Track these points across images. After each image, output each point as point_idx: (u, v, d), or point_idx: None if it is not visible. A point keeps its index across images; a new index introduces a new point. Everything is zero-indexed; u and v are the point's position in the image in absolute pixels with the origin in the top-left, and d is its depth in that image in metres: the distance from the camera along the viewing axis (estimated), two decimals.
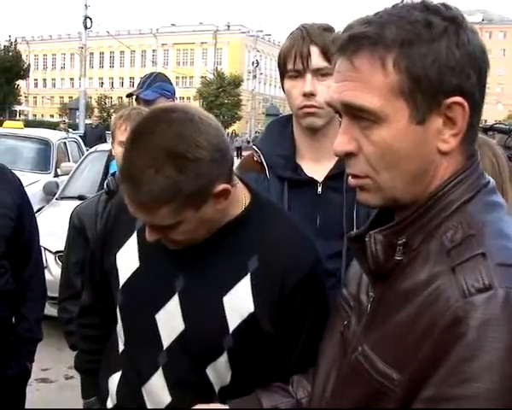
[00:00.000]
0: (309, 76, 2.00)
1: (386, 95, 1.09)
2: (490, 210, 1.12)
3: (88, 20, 30.24)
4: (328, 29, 2.04)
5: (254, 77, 72.74)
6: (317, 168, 2.10)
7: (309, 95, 2.00)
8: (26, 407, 2.98)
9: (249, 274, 1.61)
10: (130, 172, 1.44)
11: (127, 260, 1.73)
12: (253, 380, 1.68)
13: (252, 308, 1.60)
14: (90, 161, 8.19)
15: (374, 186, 1.15)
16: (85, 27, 30.66)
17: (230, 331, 1.60)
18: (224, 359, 1.62)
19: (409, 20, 1.08)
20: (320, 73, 2.00)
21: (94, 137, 16.13)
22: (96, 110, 55.65)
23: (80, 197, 6.76)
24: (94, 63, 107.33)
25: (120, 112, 3.18)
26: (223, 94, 65.78)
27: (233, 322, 1.60)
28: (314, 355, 1.57)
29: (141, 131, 1.47)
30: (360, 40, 1.10)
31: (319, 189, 2.08)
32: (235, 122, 70.94)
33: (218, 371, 1.65)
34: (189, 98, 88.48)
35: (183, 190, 1.42)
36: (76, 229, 2.99)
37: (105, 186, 3.03)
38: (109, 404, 1.82)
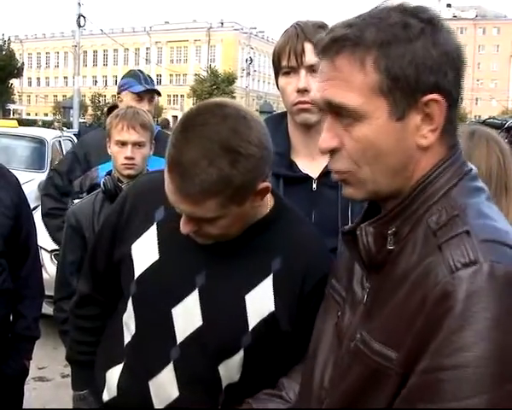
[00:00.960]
0: (303, 72, 2.03)
1: (366, 93, 1.14)
2: (472, 195, 1.17)
3: (81, 18, 30.14)
4: (322, 26, 2.06)
5: (248, 74, 72.67)
6: (311, 165, 2.12)
7: (303, 91, 2.03)
8: (24, 406, 2.99)
9: (272, 274, 1.64)
10: (181, 161, 1.44)
11: (145, 251, 1.72)
12: (261, 378, 1.70)
13: (272, 308, 1.63)
14: None
15: (355, 180, 1.21)
16: (79, 25, 30.53)
17: (249, 330, 1.63)
18: (239, 356, 1.64)
19: (387, 22, 1.14)
20: (314, 70, 2.01)
21: None
22: (89, 109, 55.39)
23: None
24: (87, 61, 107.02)
25: (116, 111, 3.19)
26: (216, 91, 65.55)
27: (253, 321, 1.63)
28: None
29: (194, 122, 1.48)
30: (341, 42, 1.15)
31: (314, 185, 2.10)
32: None
33: (230, 369, 1.67)
34: (182, 96, 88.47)
35: (233, 184, 1.45)
36: (72, 228, 2.98)
37: (102, 185, 3.03)
38: (105, 396, 1.81)
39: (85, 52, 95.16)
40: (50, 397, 5.01)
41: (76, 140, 12.74)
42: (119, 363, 1.77)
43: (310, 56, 2.02)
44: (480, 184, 1.23)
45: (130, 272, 1.73)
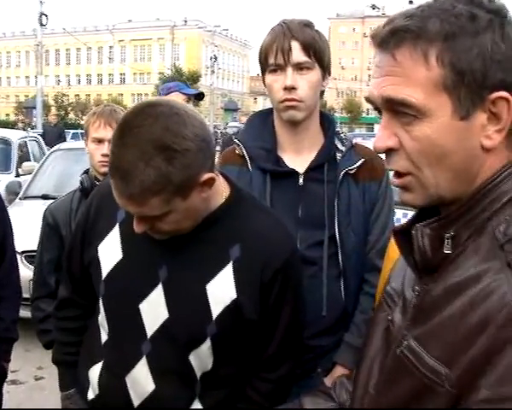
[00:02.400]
0: (290, 70, 2.04)
1: (429, 89, 1.05)
2: None
3: (43, 16, 29.76)
4: (308, 24, 2.10)
5: (212, 72, 72.53)
6: (298, 160, 2.15)
7: (290, 88, 2.04)
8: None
9: (231, 262, 1.67)
10: (120, 166, 1.47)
11: (110, 251, 1.75)
12: (233, 366, 1.75)
13: (234, 295, 1.65)
14: (52, 160, 8.07)
15: (417, 184, 1.12)
16: (41, 24, 30.14)
17: (214, 318, 1.65)
18: (206, 345, 1.67)
19: (452, 12, 1.05)
20: (300, 68, 2.05)
21: (54, 135, 15.83)
22: (53, 108, 54.92)
23: (44, 196, 6.67)
24: (50, 60, 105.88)
25: (94, 109, 3.18)
26: None
27: (216, 309, 1.65)
28: (292, 347, 1.68)
29: (128, 126, 1.49)
30: (402, 34, 1.07)
31: (301, 180, 2.12)
32: None
33: (201, 358, 1.69)
34: (146, 94, 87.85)
35: (173, 180, 1.47)
36: (50, 227, 2.96)
37: (79, 183, 3.01)
38: (90, 394, 1.83)
39: (47, 51, 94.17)
40: (24, 400, 4.94)
41: (42, 140, 12.61)
42: (98, 362, 1.80)
43: (296, 54, 2.04)
44: None
45: (99, 273, 1.76)
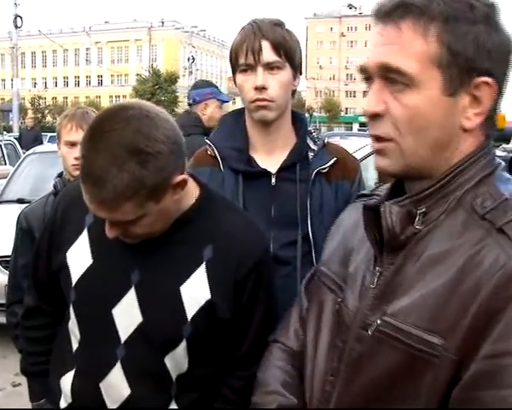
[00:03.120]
0: (260, 70, 2.04)
1: (424, 62, 1.13)
2: (510, 182, 1.18)
3: (18, 18, 29.50)
4: (278, 24, 2.09)
5: (190, 73, 72.32)
6: (270, 160, 2.14)
7: (260, 88, 2.04)
8: None
9: (204, 263, 1.67)
10: (92, 171, 1.45)
11: (79, 257, 1.73)
12: (209, 366, 1.75)
13: (208, 295, 1.65)
14: (28, 164, 8.01)
15: (396, 150, 1.18)
16: (16, 26, 29.87)
17: (189, 319, 1.65)
18: (182, 347, 1.66)
19: None
20: (271, 67, 2.04)
21: (30, 139, 15.67)
22: (29, 111, 54.55)
23: (20, 201, 6.60)
24: (26, 63, 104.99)
25: (66, 111, 3.15)
26: (159, 91, 65.27)
27: (191, 310, 1.65)
28: (265, 345, 1.67)
29: (99, 130, 1.48)
30: (408, 7, 1.15)
31: (273, 180, 2.12)
32: None
33: (176, 360, 1.68)
34: (124, 96, 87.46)
35: (146, 183, 1.46)
36: (24, 231, 2.93)
37: (52, 187, 2.98)
38: (63, 403, 1.80)
39: (23, 53, 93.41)
40: (1, 407, 4.90)
41: (17, 144, 12.50)
42: (70, 370, 1.77)
43: (267, 54, 2.03)
44: (509, 175, 1.23)
45: (68, 279, 1.73)
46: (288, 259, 2.07)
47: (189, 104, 4.90)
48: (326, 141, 2.21)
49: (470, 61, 1.13)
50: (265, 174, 2.12)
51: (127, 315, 1.66)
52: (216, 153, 2.15)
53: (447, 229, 1.14)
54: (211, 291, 1.66)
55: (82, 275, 1.71)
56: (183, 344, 1.66)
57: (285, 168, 2.12)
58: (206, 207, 1.73)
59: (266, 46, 2.03)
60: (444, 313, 1.06)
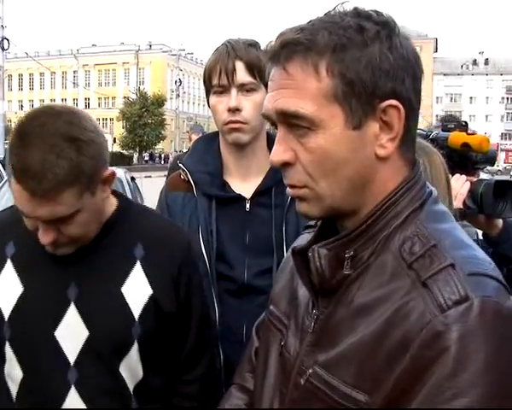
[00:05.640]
0: (234, 91, 1.98)
1: (321, 100, 1.06)
2: (442, 219, 1.11)
3: (5, 40, 29.52)
4: (253, 44, 2.04)
5: (178, 96, 72.63)
6: (244, 185, 2.08)
7: (234, 110, 1.98)
8: None
9: (138, 261, 1.68)
10: (28, 166, 1.44)
11: (7, 289, 1.65)
12: (162, 376, 1.73)
13: (150, 291, 1.66)
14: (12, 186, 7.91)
15: (312, 195, 1.11)
16: (2, 48, 29.88)
17: (136, 319, 1.64)
18: (135, 350, 1.64)
19: (341, 25, 1.07)
20: (245, 89, 1.99)
21: None
22: None
23: None
24: (13, 85, 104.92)
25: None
26: (146, 114, 65.46)
27: (137, 309, 1.64)
28: (208, 340, 1.80)
29: (30, 128, 1.49)
30: (292, 47, 1.08)
31: (247, 205, 2.06)
32: (159, 142, 70.60)
33: (131, 367, 1.65)
34: (112, 119, 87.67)
35: (85, 170, 1.49)
36: None
37: None
38: None
39: (10, 76, 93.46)
40: None
41: (1, 166, 12.40)
42: None
43: (241, 75, 1.98)
44: (443, 207, 1.16)
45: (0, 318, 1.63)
46: (264, 287, 1.98)
47: None
48: None
49: (368, 87, 1.06)
50: (240, 199, 2.06)
51: (72, 334, 1.61)
52: (189, 177, 2.09)
53: (376, 275, 1.07)
54: (152, 287, 1.66)
55: (14, 306, 1.62)
56: (135, 347, 1.63)
57: (260, 193, 2.06)
58: (127, 212, 1.76)
59: (240, 67, 1.98)
60: (370, 367, 1.00)
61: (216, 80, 2.01)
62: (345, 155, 1.08)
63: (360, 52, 1.05)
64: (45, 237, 1.53)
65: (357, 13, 1.09)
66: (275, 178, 2.06)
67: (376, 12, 1.10)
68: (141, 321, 1.64)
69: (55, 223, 1.51)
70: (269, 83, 1.14)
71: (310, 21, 1.10)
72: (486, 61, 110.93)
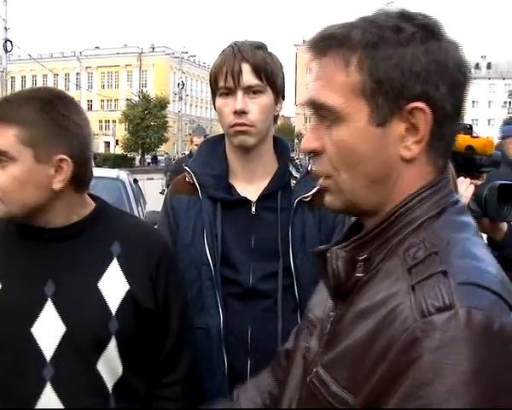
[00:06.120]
0: (240, 94, 1.96)
1: (348, 94, 1.08)
2: (457, 229, 1.08)
3: (8, 42, 29.56)
4: (260, 47, 2.02)
5: (180, 98, 72.75)
6: (250, 188, 2.06)
7: (240, 113, 1.96)
8: None
9: (115, 258, 1.70)
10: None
11: None
12: (142, 377, 1.74)
13: (127, 286, 1.68)
14: None
15: (335, 187, 1.13)
16: (6, 51, 29.95)
17: (113, 314, 1.65)
18: (112, 345, 1.64)
19: (378, 24, 1.08)
20: (252, 91, 1.97)
21: None
22: None
23: None
24: (16, 87, 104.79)
25: None
26: (149, 116, 65.50)
27: (114, 304, 1.65)
28: (187, 338, 1.81)
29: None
30: (328, 41, 1.11)
31: (253, 209, 2.04)
32: (161, 144, 70.63)
33: (109, 364, 1.65)
34: (114, 121, 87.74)
35: (38, 126, 1.59)
36: None
37: None
38: None
39: (13, 78, 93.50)
40: None
41: None
42: None
43: (247, 77, 1.96)
44: (468, 218, 1.12)
45: None
46: (269, 292, 1.98)
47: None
48: (309, 168, 2.13)
49: (396, 86, 1.06)
50: (245, 203, 2.04)
51: (49, 330, 1.61)
52: (194, 180, 2.07)
53: (382, 280, 1.05)
54: (128, 282, 1.68)
55: None
56: (113, 342, 1.64)
57: (266, 196, 2.04)
58: (104, 213, 1.78)
59: (246, 69, 1.96)
60: (358, 369, 0.99)
61: (222, 82, 1.99)
62: (366, 151, 1.08)
63: (392, 51, 1.06)
64: None
65: (401, 14, 1.10)
66: (281, 182, 2.06)
67: (422, 14, 1.10)
68: (118, 316, 1.64)
69: None
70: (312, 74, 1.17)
71: (355, 19, 1.13)
72: (489, 66, 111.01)
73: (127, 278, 1.68)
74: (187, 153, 12.18)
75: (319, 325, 1.25)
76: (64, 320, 1.61)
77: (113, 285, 1.66)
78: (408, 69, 1.05)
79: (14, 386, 1.61)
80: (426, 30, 1.07)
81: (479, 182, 2.26)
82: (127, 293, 1.67)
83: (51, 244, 1.68)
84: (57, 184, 1.63)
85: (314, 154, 1.15)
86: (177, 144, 76.76)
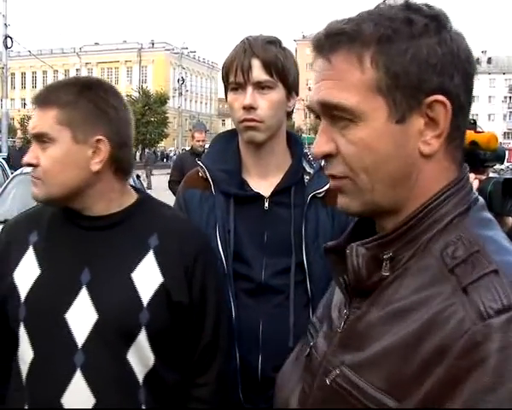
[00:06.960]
0: (250, 89, 1.96)
1: (364, 92, 1.04)
2: (487, 226, 1.06)
3: (8, 39, 29.49)
4: (273, 42, 2.01)
5: (180, 94, 72.62)
6: (263, 183, 2.06)
7: (249, 108, 1.95)
8: None
9: (152, 250, 1.72)
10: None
11: (27, 272, 1.71)
12: (176, 372, 1.75)
13: (161, 278, 1.69)
14: (15, 184, 7.93)
15: (353, 188, 1.09)
16: (6, 47, 29.85)
17: (145, 305, 1.66)
18: (143, 336, 1.65)
19: (388, 16, 1.04)
20: (261, 86, 1.96)
21: (19, 159, 15.54)
22: (19, 132, 54.30)
23: (6, 222, 6.49)
24: (15, 84, 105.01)
25: None
26: (149, 112, 65.33)
27: (146, 296, 1.67)
28: (223, 338, 1.81)
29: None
30: (337, 37, 1.06)
31: (266, 204, 2.03)
32: (162, 140, 70.61)
33: (140, 354, 1.66)
34: None
35: (78, 107, 1.65)
36: None
37: None
38: None
39: (13, 74, 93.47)
40: None
41: (5, 164, 12.40)
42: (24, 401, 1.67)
43: (257, 73, 1.95)
44: (489, 215, 1.11)
45: (17, 299, 1.69)
46: (281, 287, 1.98)
47: None
48: (323, 164, 2.12)
49: (414, 80, 1.02)
50: (258, 198, 2.03)
51: (82, 317, 1.64)
52: (207, 175, 2.07)
53: (415, 278, 1.02)
54: (162, 274, 1.69)
55: (31, 288, 1.68)
56: (143, 333, 1.65)
57: (279, 192, 2.03)
58: (145, 205, 1.81)
59: (256, 64, 1.95)
60: (402, 373, 0.96)
61: (232, 77, 1.99)
62: (386, 149, 1.05)
63: (407, 45, 1.02)
64: (27, 156, 1.67)
65: (406, 6, 1.06)
66: (294, 178, 2.05)
67: (427, 5, 1.07)
68: (149, 308, 1.65)
69: (37, 144, 1.66)
70: (314, 74, 1.11)
71: (358, 14, 1.08)
72: (489, 60, 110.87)
73: (162, 270, 1.69)
74: (187, 148, 12.12)
75: (324, 324, 1.23)
76: (96, 308, 1.64)
77: (147, 277, 1.68)
78: (424, 61, 1.02)
79: (46, 370, 1.64)
80: (436, 21, 1.05)
81: (483, 177, 2.27)
82: (160, 285, 1.68)
83: (91, 232, 1.72)
84: (95, 166, 1.67)
85: (327, 156, 1.11)
86: (177, 140, 76.71)
